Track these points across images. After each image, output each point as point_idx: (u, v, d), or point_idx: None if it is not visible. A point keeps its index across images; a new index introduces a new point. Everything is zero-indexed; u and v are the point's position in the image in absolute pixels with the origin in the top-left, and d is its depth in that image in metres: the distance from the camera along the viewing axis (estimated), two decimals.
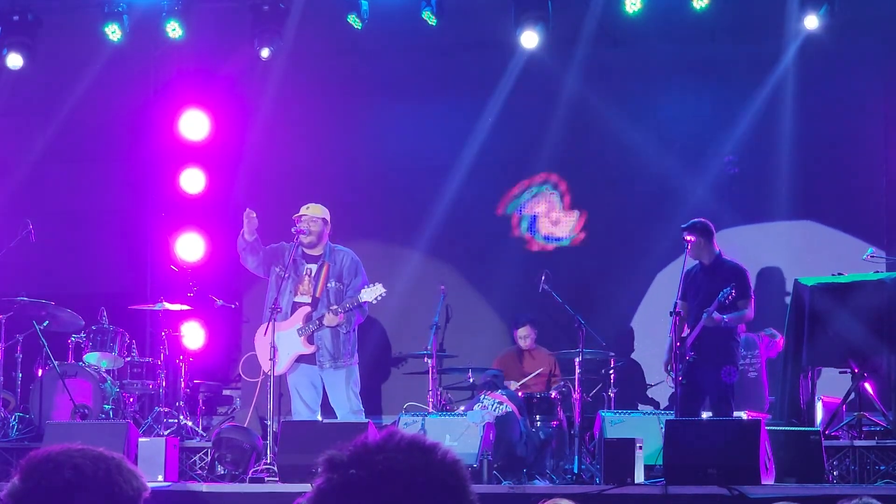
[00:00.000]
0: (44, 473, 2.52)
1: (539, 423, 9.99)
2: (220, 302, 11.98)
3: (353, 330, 9.81)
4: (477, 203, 12.76)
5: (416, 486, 2.16)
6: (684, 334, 9.70)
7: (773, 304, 11.62)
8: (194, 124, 13.36)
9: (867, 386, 9.86)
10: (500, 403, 9.74)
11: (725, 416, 9.55)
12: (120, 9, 12.29)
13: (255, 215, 9.85)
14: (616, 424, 9.63)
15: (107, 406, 10.71)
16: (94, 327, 11.16)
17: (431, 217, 12.68)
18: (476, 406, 9.79)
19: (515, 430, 9.65)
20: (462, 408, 10.45)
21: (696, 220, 10.16)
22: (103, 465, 2.55)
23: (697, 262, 10.03)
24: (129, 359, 11.30)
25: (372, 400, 11.46)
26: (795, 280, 10.24)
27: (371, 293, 9.57)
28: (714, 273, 9.87)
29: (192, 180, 13.34)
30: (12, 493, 2.53)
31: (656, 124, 12.48)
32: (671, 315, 9.60)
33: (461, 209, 12.74)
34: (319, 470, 2.22)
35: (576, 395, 9.96)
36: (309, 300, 9.79)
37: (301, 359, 9.73)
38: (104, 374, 10.96)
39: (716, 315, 9.56)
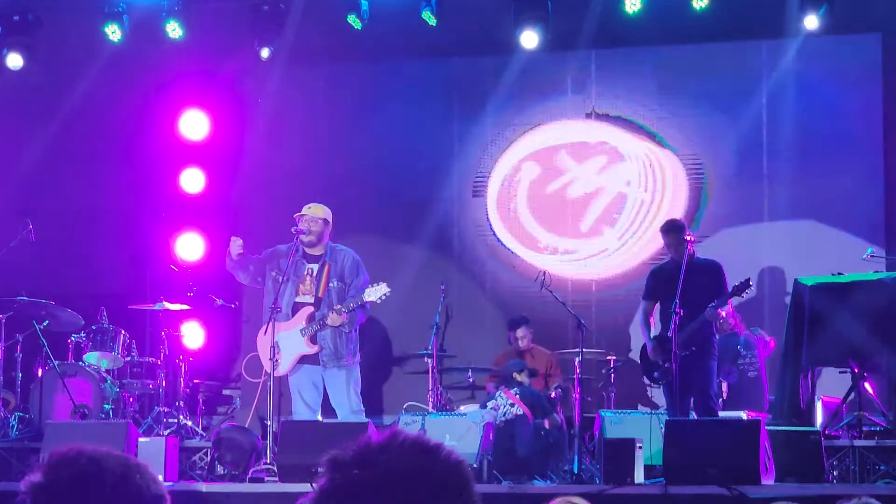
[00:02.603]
0: (69, 470, 2.47)
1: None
2: (220, 302, 11.98)
3: (355, 330, 9.81)
4: (476, 202, 12.76)
5: (420, 486, 2.15)
6: (663, 332, 9.67)
7: (773, 304, 11.63)
8: (194, 124, 13.36)
9: (867, 386, 9.86)
10: (513, 405, 9.75)
11: (712, 413, 9.49)
12: (120, 9, 12.28)
13: (241, 243, 9.89)
14: (616, 424, 9.62)
15: (107, 406, 10.71)
16: (94, 327, 11.15)
17: (431, 217, 12.68)
18: (489, 402, 9.83)
19: (524, 435, 9.65)
20: (462, 407, 10.49)
21: (670, 219, 10.25)
22: (123, 467, 2.52)
23: (668, 260, 10.00)
24: (129, 359, 11.30)
25: (372, 400, 11.45)
26: (795, 280, 10.23)
27: (375, 293, 9.56)
28: (698, 269, 9.71)
29: (192, 180, 13.34)
30: (32, 489, 2.49)
31: (656, 123, 12.50)
32: (672, 314, 9.52)
33: (461, 208, 12.76)
34: (322, 470, 2.21)
35: (576, 395, 9.95)
36: (311, 300, 9.78)
37: (303, 359, 9.72)
38: (104, 374, 10.96)
39: (719, 309, 9.53)
